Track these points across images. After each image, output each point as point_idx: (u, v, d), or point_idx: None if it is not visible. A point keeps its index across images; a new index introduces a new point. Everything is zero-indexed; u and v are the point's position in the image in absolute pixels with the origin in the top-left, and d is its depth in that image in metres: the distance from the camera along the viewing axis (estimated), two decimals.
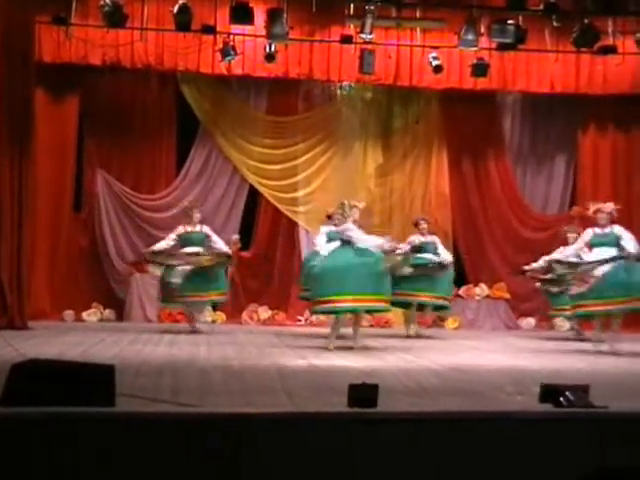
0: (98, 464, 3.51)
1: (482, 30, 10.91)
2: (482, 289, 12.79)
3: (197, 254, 10.25)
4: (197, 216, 10.50)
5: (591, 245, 9.30)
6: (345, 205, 9.08)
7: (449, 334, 11.67)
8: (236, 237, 12.56)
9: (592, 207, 9.48)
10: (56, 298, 12.03)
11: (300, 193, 12.87)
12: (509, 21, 10.68)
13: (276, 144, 12.88)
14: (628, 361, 8.53)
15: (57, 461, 3.48)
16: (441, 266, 10.64)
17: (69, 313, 11.92)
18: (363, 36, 10.94)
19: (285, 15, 10.48)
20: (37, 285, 11.58)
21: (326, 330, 10.93)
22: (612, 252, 9.14)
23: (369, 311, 9.89)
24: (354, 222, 9.09)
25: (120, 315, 12.21)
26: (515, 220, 13.16)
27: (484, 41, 11.11)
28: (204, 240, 10.40)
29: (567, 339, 10.81)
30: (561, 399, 4.30)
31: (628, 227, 12.98)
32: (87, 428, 3.55)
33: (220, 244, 10.44)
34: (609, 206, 9.45)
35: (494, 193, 13.17)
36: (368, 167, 13.07)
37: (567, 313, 10.32)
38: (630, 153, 13.18)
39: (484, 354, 8.97)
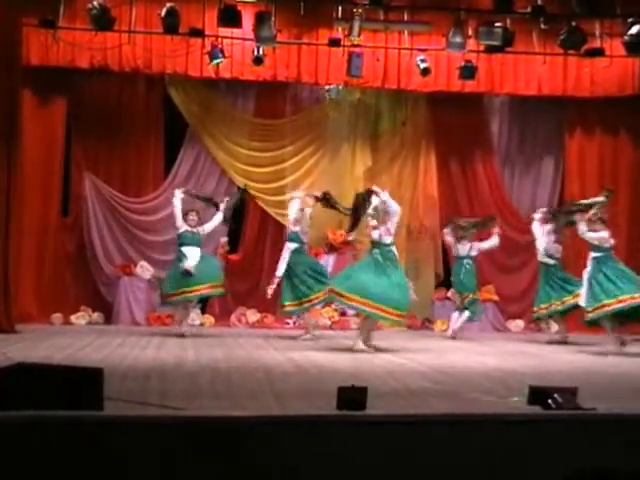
0: (86, 468, 3.50)
1: (470, 33, 10.92)
2: None
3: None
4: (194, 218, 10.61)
5: None
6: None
7: (438, 336, 11.68)
8: (224, 240, 12.60)
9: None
10: (44, 301, 11.98)
11: (288, 196, 12.84)
12: (496, 24, 10.70)
13: (264, 147, 12.86)
14: (616, 363, 8.57)
15: (45, 465, 3.47)
16: None
17: (57, 316, 11.87)
18: (351, 39, 10.94)
19: (273, 18, 10.47)
20: (24, 288, 11.53)
21: (315, 333, 10.93)
22: None
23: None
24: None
25: (108, 318, 12.17)
26: (503, 222, 13.16)
27: (472, 44, 11.12)
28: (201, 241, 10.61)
29: (553, 342, 10.83)
30: (549, 401, 4.31)
31: (615, 229, 13.14)
32: (75, 432, 3.53)
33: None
34: None
35: (482, 195, 13.19)
36: (356, 170, 13.06)
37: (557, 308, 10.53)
38: (617, 155, 13.23)
39: (473, 356, 8.99)
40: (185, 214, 10.61)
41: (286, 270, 10.38)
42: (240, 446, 3.62)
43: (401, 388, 6.23)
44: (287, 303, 10.46)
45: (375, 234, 9.14)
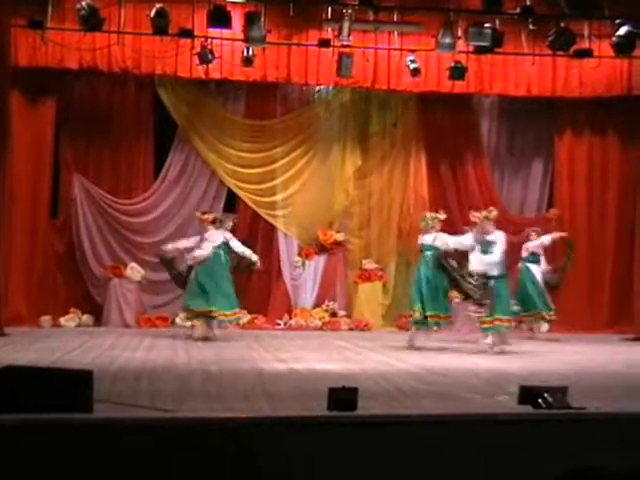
0: (75, 471, 3.48)
1: (459, 33, 10.93)
2: None
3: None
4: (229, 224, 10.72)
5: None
6: (427, 217, 10.33)
7: (430, 337, 11.68)
8: None
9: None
10: (33, 304, 11.92)
11: (278, 197, 12.85)
12: (486, 25, 10.71)
13: (254, 148, 12.85)
14: (606, 362, 8.60)
15: (34, 468, 3.45)
16: None
17: (46, 319, 11.81)
18: (341, 39, 10.94)
19: (263, 19, 10.45)
20: (13, 291, 11.46)
21: (305, 334, 10.95)
22: None
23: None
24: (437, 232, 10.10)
25: (98, 320, 12.13)
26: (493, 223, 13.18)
27: (461, 44, 11.13)
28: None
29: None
30: (540, 401, 4.32)
31: (603, 229, 13.20)
32: (64, 434, 3.52)
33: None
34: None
35: (472, 196, 13.20)
36: (346, 170, 13.07)
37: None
38: (606, 155, 13.26)
39: (463, 357, 9.00)
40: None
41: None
42: (231, 448, 3.61)
43: (393, 389, 6.23)
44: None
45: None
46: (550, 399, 4.30)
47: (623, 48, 10.78)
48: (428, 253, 10.03)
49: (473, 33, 10.68)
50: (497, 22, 10.85)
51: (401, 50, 11.63)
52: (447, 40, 10.79)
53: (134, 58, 11.40)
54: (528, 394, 4.47)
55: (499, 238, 9.75)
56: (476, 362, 8.37)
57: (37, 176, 12.08)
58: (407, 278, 12.33)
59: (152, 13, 10.32)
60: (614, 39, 10.71)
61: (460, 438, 3.82)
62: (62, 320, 11.89)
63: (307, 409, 4.91)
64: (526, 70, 12.08)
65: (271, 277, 12.78)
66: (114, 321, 12.03)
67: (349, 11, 10.56)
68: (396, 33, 11.67)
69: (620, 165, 13.17)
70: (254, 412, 4.78)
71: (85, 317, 12.10)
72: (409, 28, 11.67)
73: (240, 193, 12.80)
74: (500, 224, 13.15)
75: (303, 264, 12.88)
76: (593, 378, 7.13)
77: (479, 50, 11.23)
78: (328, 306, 12.65)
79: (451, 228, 12.97)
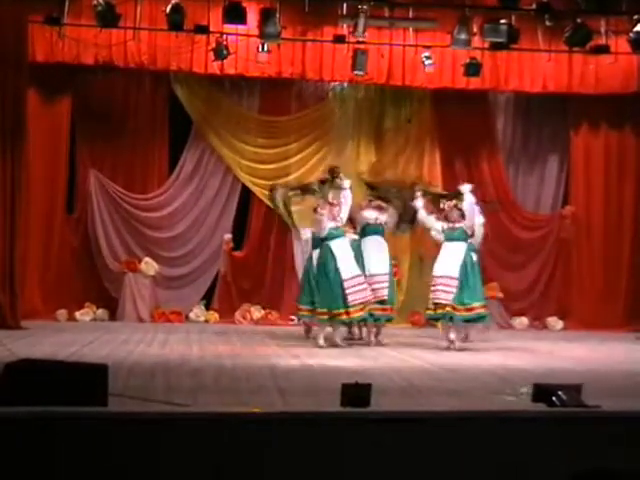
0: (90, 464, 3.51)
1: (475, 30, 10.90)
2: None
3: None
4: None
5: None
6: None
7: (441, 334, 11.67)
8: (228, 237, 12.63)
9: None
10: (49, 298, 12.01)
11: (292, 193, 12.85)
12: (502, 21, 10.68)
13: (269, 144, 12.87)
14: (621, 361, 8.57)
15: (49, 461, 3.48)
16: None
17: (62, 312, 11.90)
18: (356, 36, 10.93)
19: (278, 15, 10.47)
20: (30, 285, 11.56)
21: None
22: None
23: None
24: None
25: (113, 314, 12.20)
26: (507, 219, 13.17)
27: (477, 41, 11.10)
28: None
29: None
30: (554, 399, 4.31)
31: (620, 225, 13.14)
32: (79, 428, 3.54)
33: None
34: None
35: (486, 192, 13.15)
36: (361, 166, 13.06)
37: None
38: (622, 152, 13.20)
39: (477, 354, 8.98)
40: None
41: None
42: (244, 442, 3.62)
43: (406, 385, 6.24)
44: None
45: None
46: (564, 397, 4.29)
47: None
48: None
49: (489, 29, 10.65)
50: (513, 18, 10.81)
51: (416, 46, 11.61)
52: (462, 36, 10.76)
53: (150, 54, 11.45)
54: (542, 392, 4.46)
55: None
56: (490, 360, 8.36)
57: (53, 171, 12.16)
58: (421, 274, 12.32)
59: (168, 9, 10.37)
60: (631, 35, 10.65)
61: (473, 435, 3.81)
62: (77, 314, 11.98)
63: (320, 405, 4.92)
64: (542, 66, 12.02)
65: (285, 273, 12.79)
66: (129, 315, 12.10)
67: (364, 7, 10.55)
68: (411, 29, 11.66)
69: (637, 161, 13.10)
70: (267, 407, 4.80)
71: (100, 311, 12.18)
72: (424, 24, 11.65)
73: (254, 189, 12.81)
74: (515, 221, 13.21)
75: None
76: (608, 376, 7.11)
77: (495, 46, 11.19)
78: None
79: None
